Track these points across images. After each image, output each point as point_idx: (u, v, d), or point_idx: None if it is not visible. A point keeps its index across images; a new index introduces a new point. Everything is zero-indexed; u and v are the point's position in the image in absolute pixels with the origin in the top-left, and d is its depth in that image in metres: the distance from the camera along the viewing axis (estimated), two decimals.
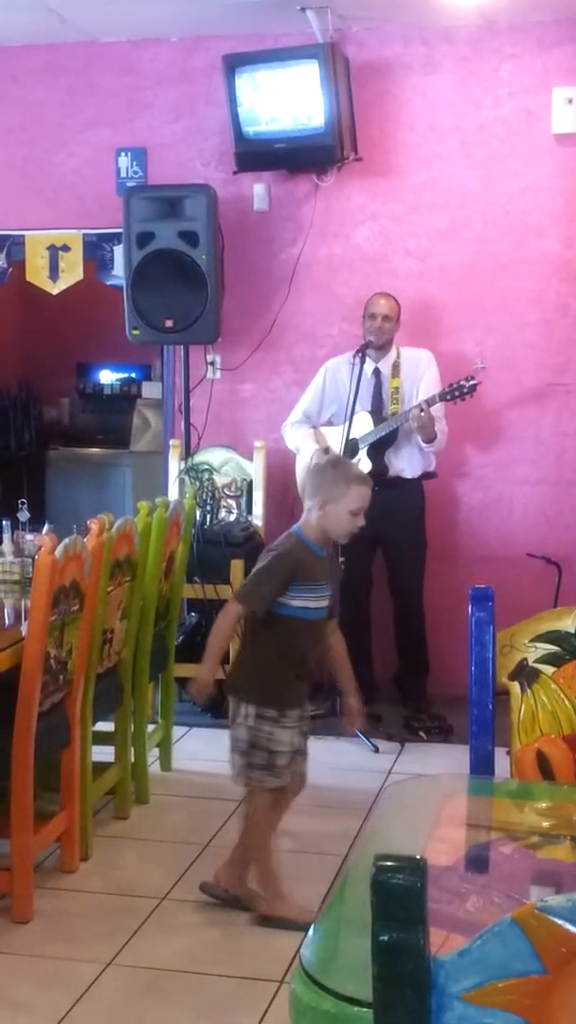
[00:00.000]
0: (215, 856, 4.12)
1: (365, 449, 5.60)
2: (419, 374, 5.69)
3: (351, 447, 5.50)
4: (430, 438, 5.54)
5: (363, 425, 5.60)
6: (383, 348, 5.69)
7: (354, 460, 5.59)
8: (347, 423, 5.47)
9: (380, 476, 5.63)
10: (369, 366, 5.66)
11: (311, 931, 1.83)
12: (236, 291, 6.19)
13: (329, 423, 5.82)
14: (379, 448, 5.62)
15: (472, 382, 5.41)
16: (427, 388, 5.62)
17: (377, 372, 5.72)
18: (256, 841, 3.66)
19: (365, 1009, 1.44)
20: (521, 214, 6.01)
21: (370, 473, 5.58)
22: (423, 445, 5.59)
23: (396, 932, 1.32)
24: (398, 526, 5.66)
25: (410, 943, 1.32)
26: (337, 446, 5.58)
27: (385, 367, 5.72)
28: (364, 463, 5.61)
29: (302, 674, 3.64)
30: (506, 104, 6.01)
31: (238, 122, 5.95)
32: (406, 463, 5.68)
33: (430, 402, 5.47)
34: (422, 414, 5.42)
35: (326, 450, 5.69)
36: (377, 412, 5.66)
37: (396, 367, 5.71)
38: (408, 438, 5.64)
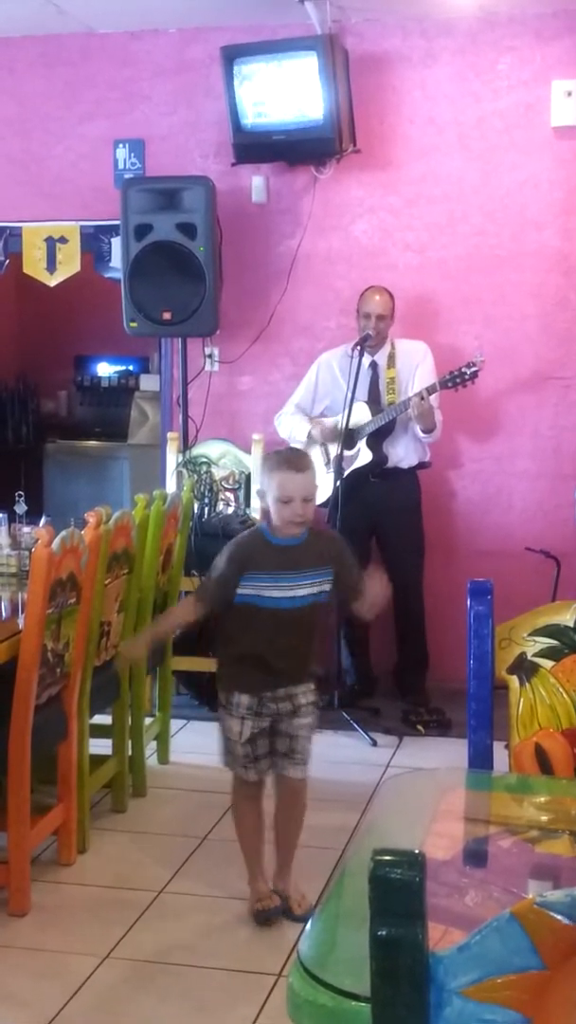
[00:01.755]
0: (212, 849, 4.13)
1: (364, 439, 5.59)
2: (414, 364, 5.69)
3: (349, 437, 5.50)
4: (429, 427, 5.53)
5: (361, 415, 5.60)
6: (379, 343, 5.70)
7: (353, 450, 5.60)
8: (346, 411, 5.45)
9: (378, 466, 5.63)
10: (366, 359, 5.65)
11: (309, 925, 1.83)
12: (234, 284, 6.18)
13: (323, 415, 5.81)
14: (377, 438, 5.62)
15: (473, 368, 5.39)
16: (423, 378, 5.62)
17: (374, 364, 5.71)
18: (237, 831, 3.70)
19: (363, 1004, 1.43)
20: (520, 207, 6.00)
21: (370, 463, 5.60)
22: (421, 435, 5.58)
23: (394, 927, 1.32)
24: (394, 516, 5.67)
25: (408, 938, 1.31)
26: (336, 433, 5.58)
27: (381, 359, 5.72)
28: (364, 453, 5.61)
29: (263, 664, 3.52)
30: (505, 97, 5.99)
31: (236, 114, 5.93)
32: (403, 453, 5.68)
33: (430, 390, 5.46)
34: (422, 402, 5.41)
35: (317, 429, 5.67)
36: (375, 402, 5.66)
37: (392, 358, 5.71)
38: (405, 428, 5.63)
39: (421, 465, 5.78)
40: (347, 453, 5.58)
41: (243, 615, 3.52)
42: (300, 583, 3.50)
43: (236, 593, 3.49)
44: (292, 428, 5.83)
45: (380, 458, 5.61)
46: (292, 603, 3.50)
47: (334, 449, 5.61)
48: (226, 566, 3.52)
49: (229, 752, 3.60)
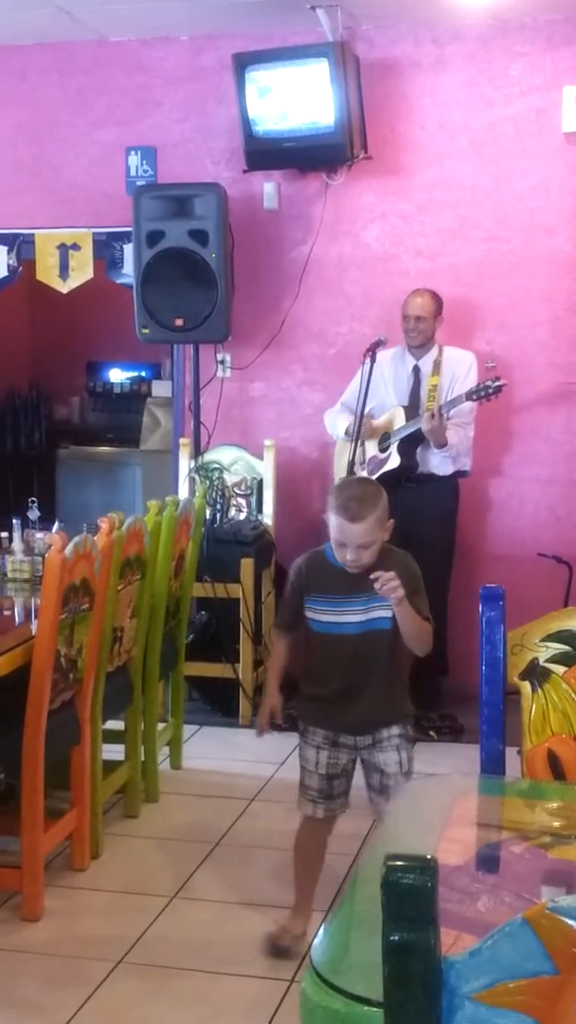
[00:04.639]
0: (225, 854, 4.13)
1: (396, 444, 5.59)
2: (457, 376, 5.65)
3: (383, 440, 5.53)
4: (440, 443, 5.50)
5: (397, 420, 5.61)
6: (423, 346, 5.69)
7: (385, 454, 5.60)
8: (357, 413, 5.46)
9: (410, 472, 5.62)
10: (410, 363, 5.67)
11: (322, 930, 1.83)
12: (246, 290, 6.19)
13: (369, 416, 5.77)
14: (411, 444, 5.60)
15: (498, 383, 5.37)
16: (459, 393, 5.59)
17: (416, 369, 5.71)
18: (294, 860, 3.57)
19: (376, 1009, 1.43)
20: (531, 213, 6.00)
21: (400, 468, 5.58)
22: (435, 450, 5.56)
23: (407, 932, 1.32)
24: (426, 523, 5.55)
25: (421, 943, 1.32)
26: (370, 431, 5.61)
27: (426, 365, 5.70)
28: (393, 458, 5.60)
29: (337, 694, 3.36)
30: (516, 103, 6.00)
31: (248, 121, 5.95)
32: (438, 460, 5.64)
33: (446, 408, 5.45)
34: (433, 420, 5.39)
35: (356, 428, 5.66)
36: (413, 408, 5.64)
37: (437, 365, 5.68)
38: None
39: (459, 473, 5.74)
40: (380, 456, 5.60)
41: (315, 642, 3.38)
42: (366, 608, 3.31)
43: (308, 618, 3.35)
44: (334, 421, 5.87)
45: (411, 464, 5.60)
46: (359, 628, 3.33)
47: (371, 447, 5.63)
48: (290, 588, 3.43)
49: (302, 784, 3.45)
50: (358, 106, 5.94)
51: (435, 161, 6.11)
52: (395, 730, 3.38)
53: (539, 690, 2.79)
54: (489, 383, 5.40)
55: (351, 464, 5.58)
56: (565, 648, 2.79)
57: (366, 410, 5.73)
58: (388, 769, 3.38)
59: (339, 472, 5.84)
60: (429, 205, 6.12)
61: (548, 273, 6.00)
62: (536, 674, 2.80)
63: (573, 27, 5.90)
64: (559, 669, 2.79)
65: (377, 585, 3.20)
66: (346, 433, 5.71)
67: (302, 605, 3.38)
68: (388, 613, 3.29)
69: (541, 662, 2.80)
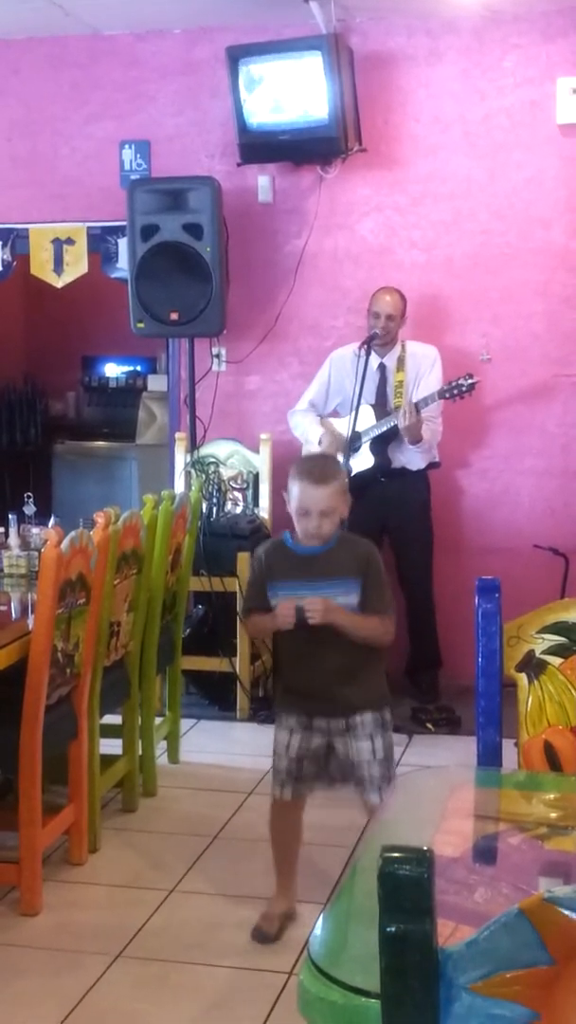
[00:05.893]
0: (223, 848, 4.14)
1: (368, 443, 5.59)
2: (422, 371, 5.66)
3: (354, 440, 5.50)
4: (415, 440, 5.51)
5: (366, 419, 5.60)
6: (387, 344, 5.69)
7: (357, 453, 5.60)
8: (353, 415, 5.46)
9: (383, 468, 5.64)
10: (375, 360, 5.65)
11: (320, 922, 1.83)
12: (241, 283, 6.19)
13: (335, 414, 5.82)
14: (382, 443, 5.62)
15: (471, 380, 5.38)
16: (425, 388, 5.59)
17: (382, 367, 5.71)
18: (272, 846, 3.61)
19: (374, 1000, 1.44)
20: (526, 205, 6.00)
21: (374, 466, 5.60)
22: (409, 446, 5.56)
23: (403, 923, 1.32)
24: (404, 517, 5.68)
25: (417, 934, 1.32)
26: (342, 441, 5.58)
27: (390, 361, 5.71)
28: (367, 457, 5.61)
29: (305, 679, 3.41)
30: (510, 94, 5.99)
31: (242, 114, 5.94)
32: (409, 457, 5.67)
33: (420, 405, 5.45)
34: (409, 417, 5.39)
35: (327, 438, 5.67)
36: (381, 406, 5.65)
37: (401, 361, 5.69)
38: None
39: (431, 466, 5.76)
40: (353, 456, 5.59)
41: (283, 631, 3.40)
42: (325, 594, 3.31)
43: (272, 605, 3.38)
44: (305, 429, 5.83)
45: (383, 462, 5.62)
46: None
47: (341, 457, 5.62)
48: (251, 576, 3.49)
49: (273, 769, 3.50)
50: (352, 99, 5.93)
51: (429, 153, 6.10)
52: (368, 716, 3.41)
53: (535, 682, 2.79)
54: (462, 381, 5.40)
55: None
56: (561, 639, 2.79)
57: (333, 408, 5.73)
58: (361, 757, 3.41)
59: None
60: (424, 197, 6.12)
61: (543, 265, 6.00)
62: (532, 666, 2.80)
63: (567, 18, 5.89)
64: (555, 660, 2.79)
65: (307, 615, 3.25)
66: (319, 444, 5.68)
67: (265, 592, 3.42)
68: (346, 600, 3.34)
69: (537, 654, 2.80)
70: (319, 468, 3.42)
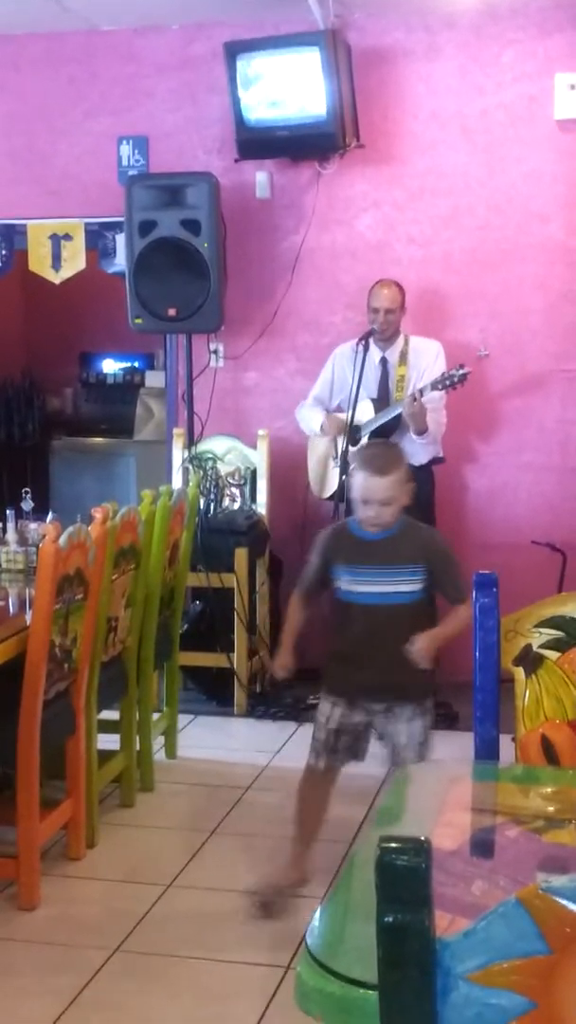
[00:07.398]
0: (221, 843, 4.14)
1: (367, 436, 5.59)
2: (424, 365, 5.65)
3: (353, 434, 5.50)
4: (420, 429, 5.49)
5: (366, 413, 5.59)
6: (390, 338, 5.68)
7: (357, 447, 5.59)
8: (351, 410, 5.46)
9: None
10: (376, 355, 5.65)
11: (317, 915, 1.84)
12: (239, 279, 6.19)
13: (339, 410, 5.80)
14: (383, 435, 5.60)
15: (462, 371, 5.37)
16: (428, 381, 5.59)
17: (384, 361, 5.70)
18: (295, 815, 3.68)
19: (372, 992, 1.44)
20: (524, 200, 6.00)
21: None
22: (414, 437, 5.55)
23: (400, 913, 1.32)
24: (408, 513, 5.63)
25: (415, 924, 1.32)
26: (344, 428, 5.58)
27: (392, 356, 5.70)
28: None
29: (357, 659, 3.50)
30: (508, 90, 5.99)
31: (239, 110, 5.94)
32: (415, 448, 5.64)
33: (421, 393, 5.45)
34: (414, 403, 5.38)
35: (329, 422, 5.66)
36: (382, 400, 5.64)
37: (403, 355, 5.67)
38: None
39: (435, 460, 5.74)
40: (352, 449, 5.58)
41: (338, 610, 3.52)
42: (386, 579, 3.43)
43: (334, 587, 3.48)
44: (308, 419, 5.83)
45: None
46: (381, 599, 3.45)
47: (343, 443, 5.62)
48: (314, 557, 3.55)
49: (312, 736, 3.58)
50: (350, 94, 5.93)
51: (428, 149, 6.10)
52: (408, 703, 3.51)
53: (533, 676, 2.79)
54: (454, 372, 5.40)
55: (325, 458, 5.60)
56: (558, 634, 2.79)
57: (337, 403, 5.73)
58: (398, 740, 3.51)
59: (313, 467, 5.85)
60: (422, 193, 6.12)
61: (541, 260, 6.00)
62: (530, 660, 2.80)
63: (565, 14, 5.89)
64: (553, 655, 2.79)
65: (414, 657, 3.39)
66: (321, 429, 5.70)
67: (324, 574, 3.50)
68: (408, 587, 3.44)
69: (535, 648, 2.80)
70: (380, 458, 3.49)
